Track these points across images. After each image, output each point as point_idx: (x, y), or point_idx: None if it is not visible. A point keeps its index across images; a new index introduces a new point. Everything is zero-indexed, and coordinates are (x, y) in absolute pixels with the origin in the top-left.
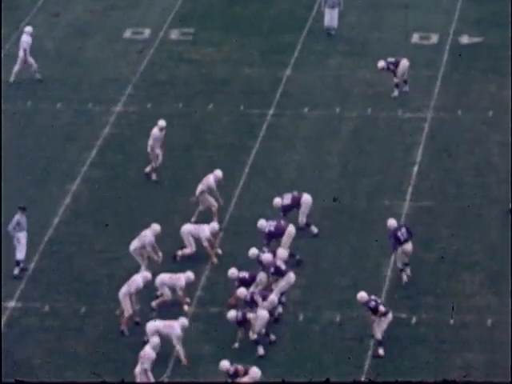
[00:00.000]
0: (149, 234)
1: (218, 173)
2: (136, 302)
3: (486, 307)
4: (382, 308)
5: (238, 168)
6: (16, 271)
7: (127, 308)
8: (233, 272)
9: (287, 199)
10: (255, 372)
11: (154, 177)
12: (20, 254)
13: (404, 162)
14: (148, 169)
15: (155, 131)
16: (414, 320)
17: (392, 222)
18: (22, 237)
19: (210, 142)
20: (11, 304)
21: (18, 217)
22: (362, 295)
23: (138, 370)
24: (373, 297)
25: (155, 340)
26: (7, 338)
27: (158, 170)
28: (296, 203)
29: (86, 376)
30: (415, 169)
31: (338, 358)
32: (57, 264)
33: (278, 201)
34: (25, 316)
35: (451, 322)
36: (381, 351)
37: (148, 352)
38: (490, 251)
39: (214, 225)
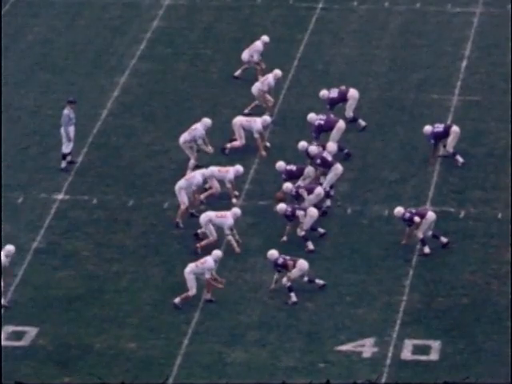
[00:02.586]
0: (199, 127)
1: (278, 72)
2: (198, 197)
3: None
4: (416, 219)
5: (286, 61)
6: (63, 164)
7: (183, 200)
8: (280, 164)
9: (334, 93)
10: (303, 264)
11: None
12: (66, 148)
13: (453, 56)
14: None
15: (258, 43)
16: (462, 214)
17: (426, 128)
18: (70, 130)
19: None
20: (59, 197)
21: (66, 111)
22: (399, 209)
23: (188, 270)
24: (408, 209)
25: (217, 252)
26: (56, 230)
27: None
28: (343, 97)
29: (133, 268)
30: (464, 63)
31: (386, 251)
32: (105, 157)
33: (324, 92)
34: (73, 209)
35: (499, 216)
36: (426, 249)
37: (209, 262)
38: None
39: (266, 117)
